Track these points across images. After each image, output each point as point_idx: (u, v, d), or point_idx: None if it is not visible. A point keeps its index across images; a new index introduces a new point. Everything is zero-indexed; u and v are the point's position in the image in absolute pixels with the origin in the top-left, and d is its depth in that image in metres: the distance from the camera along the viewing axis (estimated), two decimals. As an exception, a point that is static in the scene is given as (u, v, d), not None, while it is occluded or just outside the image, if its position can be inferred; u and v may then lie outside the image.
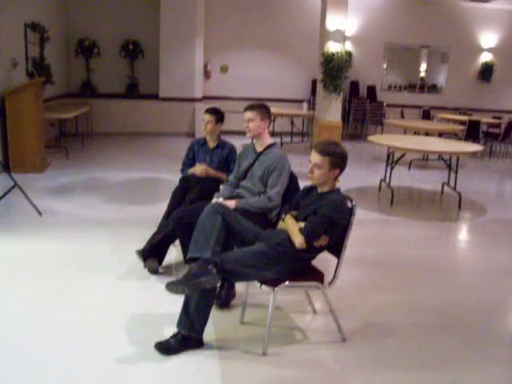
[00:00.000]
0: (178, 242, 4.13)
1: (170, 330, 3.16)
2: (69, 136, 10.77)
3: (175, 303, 3.23)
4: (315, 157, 3.19)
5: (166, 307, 3.55)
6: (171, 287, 2.95)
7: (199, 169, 4.53)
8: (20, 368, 2.89)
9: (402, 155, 7.48)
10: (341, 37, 8.78)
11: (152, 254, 4.21)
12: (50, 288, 3.94)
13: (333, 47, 8.76)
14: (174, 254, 4.36)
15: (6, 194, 5.69)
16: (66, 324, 3.40)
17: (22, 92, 7.38)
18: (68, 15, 11.63)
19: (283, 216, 3.28)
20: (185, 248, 3.80)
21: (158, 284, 3.97)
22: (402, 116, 12.57)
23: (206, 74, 12.61)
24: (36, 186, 6.70)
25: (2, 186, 5.95)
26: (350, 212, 3.17)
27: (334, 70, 8.65)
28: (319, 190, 3.26)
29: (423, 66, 14.01)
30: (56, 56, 10.67)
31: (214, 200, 3.80)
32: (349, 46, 12.86)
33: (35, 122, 7.50)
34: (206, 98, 12.40)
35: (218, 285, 3.13)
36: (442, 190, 7.71)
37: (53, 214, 5.66)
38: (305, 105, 12.55)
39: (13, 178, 5.72)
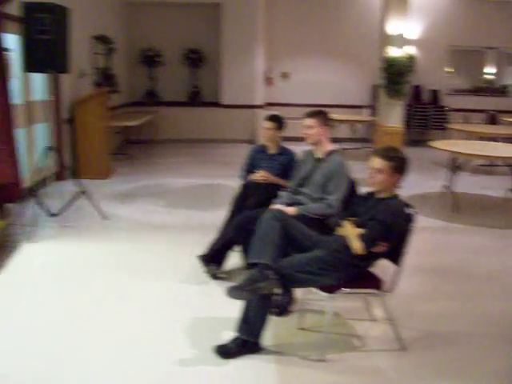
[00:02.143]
0: (238, 247, 4.20)
1: (228, 334, 3.22)
2: (133, 143, 11.09)
3: (234, 308, 3.28)
4: (376, 162, 3.17)
5: (225, 311, 3.60)
6: (231, 292, 3.01)
7: (259, 175, 4.57)
8: (81, 367, 3.02)
9: (466, 161, 7.28)
10: (401, 41, 8.67)
11: (212, 259, 4.29)
12: (112, 289, 4.09)
13: (394, 52, 8.65)
14: (233, 259, 4.43)
15: (74, 199, 5.95)
16: (126, 325, 3.52)
17: (90, 101, 7.70)
18: (132, 27, 11.99)
19: (342, 222, 3.28)
20: (245, 254, 3.86)
21: (217, 288, 4.04)
22: (466, 121, 12.22)
23: (268, 81, 12.70)
24: (102, 192, 6.95)
25: (71, 191, 6.21)
26: (410, 218, 3.13)
27: (395, 75, 8.54)
28: (378, 195, 3.25)
29: (489, 69, 13.60)
30: (121, 66, 11.05)
31: (274, 206, 3.84)
32: (411, 50, 12.65)
33: (101, 130, 7.78)
34: (267, 104, 12.49)
35: (276, 291, 3.17)
36: (508, 197, 7.47)
37: (117, 219, 5.86)
38: (365, 111, 12.44)
39: (80, 183, 5.97)
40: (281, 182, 4.53)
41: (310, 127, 3.86)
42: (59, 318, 3.61)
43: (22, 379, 2.91)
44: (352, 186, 3.86)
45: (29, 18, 5.17)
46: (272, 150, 4.74)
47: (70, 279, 4.27)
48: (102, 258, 4.75)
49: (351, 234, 3.10)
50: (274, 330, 3.42)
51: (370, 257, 3.12)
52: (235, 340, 3.15)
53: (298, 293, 3.79)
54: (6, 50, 5.16)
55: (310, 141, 3.90)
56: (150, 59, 12.03)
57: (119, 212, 6.12)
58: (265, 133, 4.71)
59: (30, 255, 4.76)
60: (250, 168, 4.79)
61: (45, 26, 5.12)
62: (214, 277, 4.26)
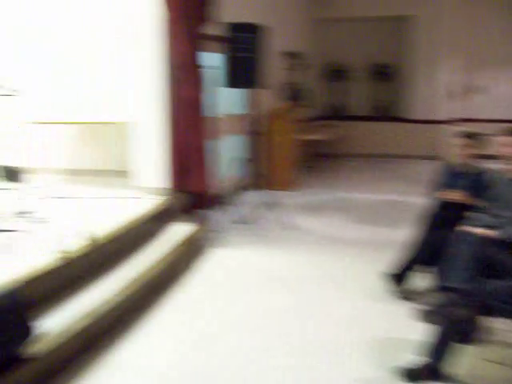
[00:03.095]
0: (424, 267, 4.05)
1: (411, 358, 3.11)
2: (320, 156, 11.28)
3: (417, 329, 3.17)
4: None
5: (407, 333, 3.50)
6: (427, 316, 2.92)
7: (454, 195, 4.36)
8: (256, 379, 3.13)
9: None
10: None
11: (400, 279, 4.19)
12: (292, 301, 4.18)
13: None
14: (418, 279, 4.29)
15: (261, 208, 6.23)
16: (303, 339, 3.57)
17: (280, 115, 8.01)
18: (320, 42, 12.21)
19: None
20: (437, 275, 3.70)
21: (401, 308, 3.94)
22: None
23: (458, 95, 12.10)
24: (288, 203, 7.16)
25: (258, 200, 6.50)
26: None
27: None
28: None
29: None
30: (310, 81, 11.32)
31: (468, 228, 3.64)
32: None
33: (290, 143, 8.05)
34: (459, 120, 11.90)
35: (472, 318, 3.00)
36: None
37: (301, 230, 6.00)
38: None
39: (268, 194, 6.24)
40: (473, 202, 4.27)
41: (507, 146, 3.61)
42: (237, 320, 3.81)
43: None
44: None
45: (233, 37, 5.56)
46: (464, 168, 4.50)
47: (250, 286, 4.48)
48: (283, 269, 4.90)
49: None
50: (457, 357, 3.24)
51: None
52: (420, 365, 3.03)
53: (484, 320, 3.54)
54: (202, 66, 5.59)
55: (505, 160, 3.64)
56: (338, 74, 12.17)
57: (304, 224, 6.26)
58: (458, 150, 4.49)
59: (217, 260, 5.09)
60: (441, 186, 4.59)
61: (246, 45, 5.47)
62: (401, 297, 4.16)
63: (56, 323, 3.23)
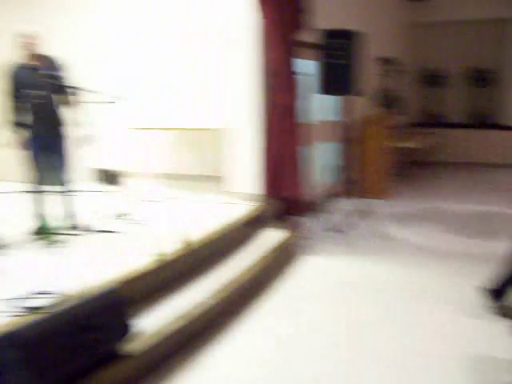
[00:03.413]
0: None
1: (508, 378, 2.94)
2: (414, 164, 10.97)
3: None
4: None
5: (506, 352, 3.31)
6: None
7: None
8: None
9: None
10: None
11: (496, 294, 3.97)
12: (385, 313, 4.08)
13: None
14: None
15: (354, 216, 6.14)
16: (398, 352, 3.46)
17: (374, 122, 7.87)
18: (416, 47, 11.91)
19: None
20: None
21: (498, 326, 3.73)
22: None
23: None
24: (381, 212, 7.01)
25: (351, 208, 6.41)
26: None
27: None
28: None
29: None
30: (405, 87, 11.05)
31: None
32: None
33: (384, 151, 7.88)
34: None
35: None
36: None
37: (394, 240, 5.85)
38: None
39: (361, 202, 6.13)
40: None
41: None
42: (327, 329, 3.76)
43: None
44: None
45: (327, 44, 5.53)
46: None
47: (342, 296, 4.40)
48: (376, 280, 4.79)
49: None
50: None
51: None
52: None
53: None
54: (296, 73, 5.59)
55: None
56: (433, 79, 11.79)
57: (397, 234, 6.10)
58: None
59: (308, 267, 5.06)
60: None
61: (341, 52, 5.42)
62: (499, 313, 3.94)
63: (151, 323, 3.33)
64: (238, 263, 4.51)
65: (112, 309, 2.96)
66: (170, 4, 6.35)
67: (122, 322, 3.01)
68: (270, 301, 4.30)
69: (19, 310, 2.98)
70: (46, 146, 4.55)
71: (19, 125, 4.45)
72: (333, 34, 5.62)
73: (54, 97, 4.61)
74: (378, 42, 9.16)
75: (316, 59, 5.98)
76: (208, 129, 6.22)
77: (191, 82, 6.68)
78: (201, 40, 6.20)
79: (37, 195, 4.60)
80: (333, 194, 7.06)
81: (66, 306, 2.81)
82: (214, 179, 6.53)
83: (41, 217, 4.53)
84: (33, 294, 3.19)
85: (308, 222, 6.06)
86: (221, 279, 4.13)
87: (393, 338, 3.64)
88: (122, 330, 3.01)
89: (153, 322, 3.35)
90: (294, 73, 5.57)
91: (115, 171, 5.55)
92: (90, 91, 4.58)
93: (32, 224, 4.65)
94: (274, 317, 4.03)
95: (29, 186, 4.65)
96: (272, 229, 5.41)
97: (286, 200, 5.68)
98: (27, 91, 4.31)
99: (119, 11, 6.68)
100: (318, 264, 5.14)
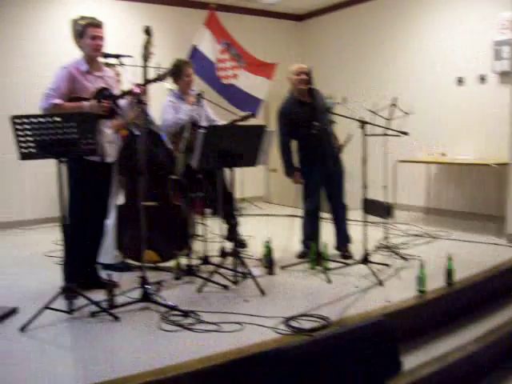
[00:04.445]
0: None
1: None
2: None
3: None
4: None
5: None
6: None
7: None
8: None
9: None
10: None
11: None
12: None
13: None
14: None
15: None
16: None
17: None
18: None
19: None
20: None
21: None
22: None
23: None
24: None
25: None
26: None
27: None
28: None
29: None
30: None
31: None
32: None
33: None
34: None
35: None
36: None
37: None
38: None
39: None
40: None
41: None
42: None
43: None
44: None
45: None
46: None
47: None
48: None
49: None
50: None
51: None
52: None
53: None
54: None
55: None
56: None
57: None
58: None
59: None
60: None
61: None
62: None
63: (411, 362, 3.24)
64: (506, 312, 4.19)
65: (383, 341, 2.78)
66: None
67: (393, 357, 2.81)
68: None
69: (289, 329, 3.17)
70: (324, 176, 4.78)
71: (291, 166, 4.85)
72: None
73: (330, 128, 4.90)
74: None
75: None
76: (488, 164, 5.90)
77: (468, 112, 6.46)
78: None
79: (311, 220, 4.90)
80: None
81: (337, 331, 2.83)
82: (490, 218, 6.19)
83: (312, 242, 4.71)
84: (302, 315, 3.41)
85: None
86: (486, 325, 3.90)
87: None
88: (393, 366, 2.80)
89: (412, 361, 3.27)
90: None
91: (388, 203, 5.56)
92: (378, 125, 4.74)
93: (301, 248, 4.98)
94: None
95: (304, 212, 4.99)
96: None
97: None
98: (306, 124, 4.52)
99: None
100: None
